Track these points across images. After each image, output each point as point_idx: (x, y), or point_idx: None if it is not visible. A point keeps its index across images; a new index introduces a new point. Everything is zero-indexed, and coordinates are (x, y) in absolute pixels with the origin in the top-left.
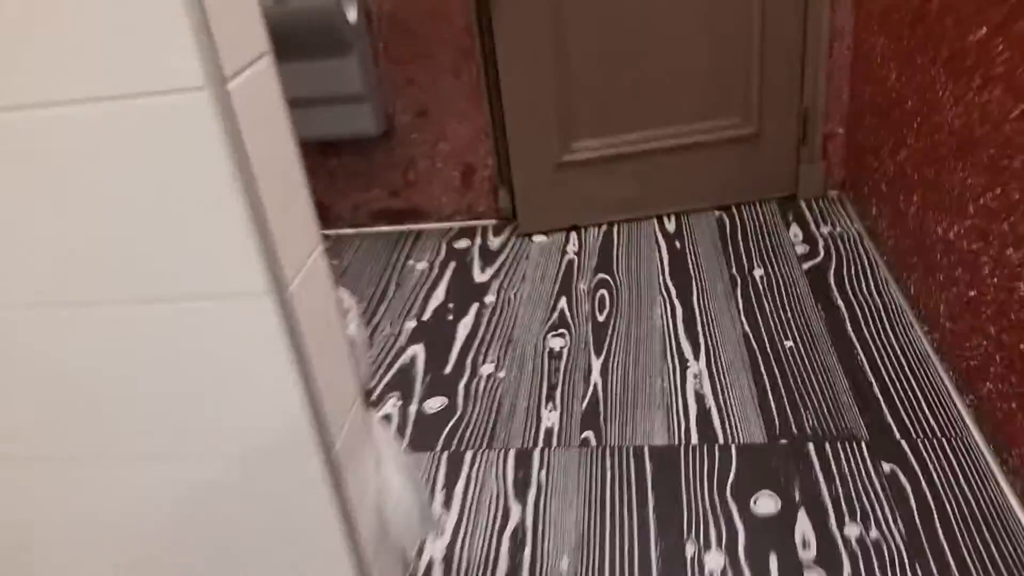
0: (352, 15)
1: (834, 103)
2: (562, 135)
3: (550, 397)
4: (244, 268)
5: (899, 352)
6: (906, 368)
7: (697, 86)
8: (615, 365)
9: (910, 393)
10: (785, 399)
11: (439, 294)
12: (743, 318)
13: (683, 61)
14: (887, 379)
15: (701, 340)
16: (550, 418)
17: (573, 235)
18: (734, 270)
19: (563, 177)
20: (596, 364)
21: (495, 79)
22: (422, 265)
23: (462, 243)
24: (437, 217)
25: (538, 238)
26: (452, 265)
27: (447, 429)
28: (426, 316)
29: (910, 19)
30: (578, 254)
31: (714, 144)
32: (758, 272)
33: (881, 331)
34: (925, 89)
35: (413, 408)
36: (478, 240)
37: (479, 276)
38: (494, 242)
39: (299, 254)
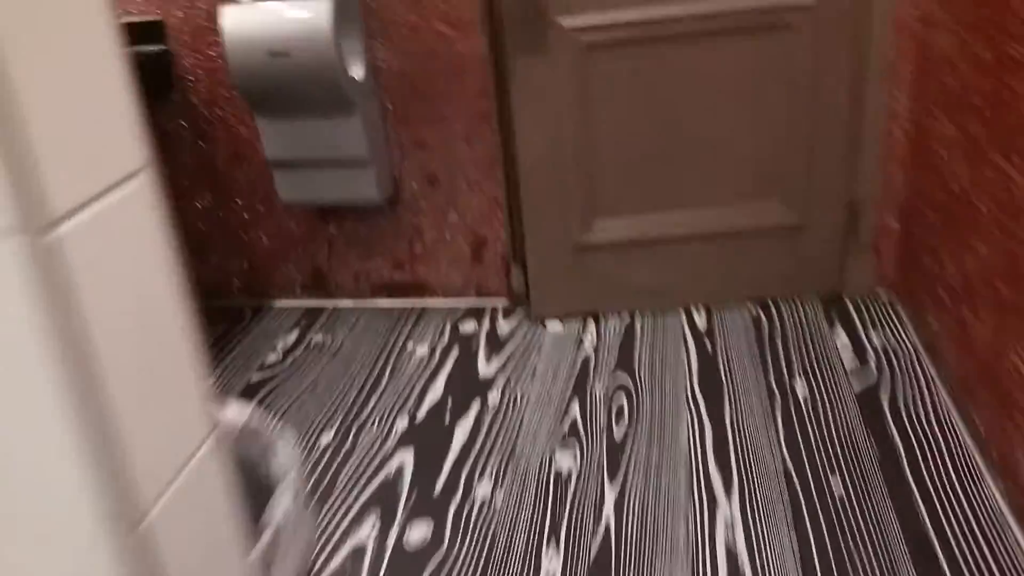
0: (357, 72)
1: (888, 194)
2: (584, 213)
3: (553, 534)
4: (73, 501)
5: (967, 507)
6: (975, 529)
7: (736, 166)
8: (632, 498)
9: (982, 563)
10: (833, 563)
11: (438, 387)
12: (783, 446)
13: (722, 138)
14: (953, 543)
15: (734, 472)
16: (552, 564)
17: (591, 324)
18: (772, 380)
19: (583, 259)
20: (610, 495)
21: (512, 147)
22: (422, 350)
23: (468, 326)
24: (443, 293)
25: (552, 325)
26: (455, 352)
27: (429, 569)
28: (420, 414)
29: (981, 105)
30: (596, 348)
31: (752, 231)
32: (800, 386)
33: (944, 477)
34: (1000, 190)
35: (392, 536)
36: (486, 323)
37: (484, 367)
38: (503, 327)
39: (171, 462)
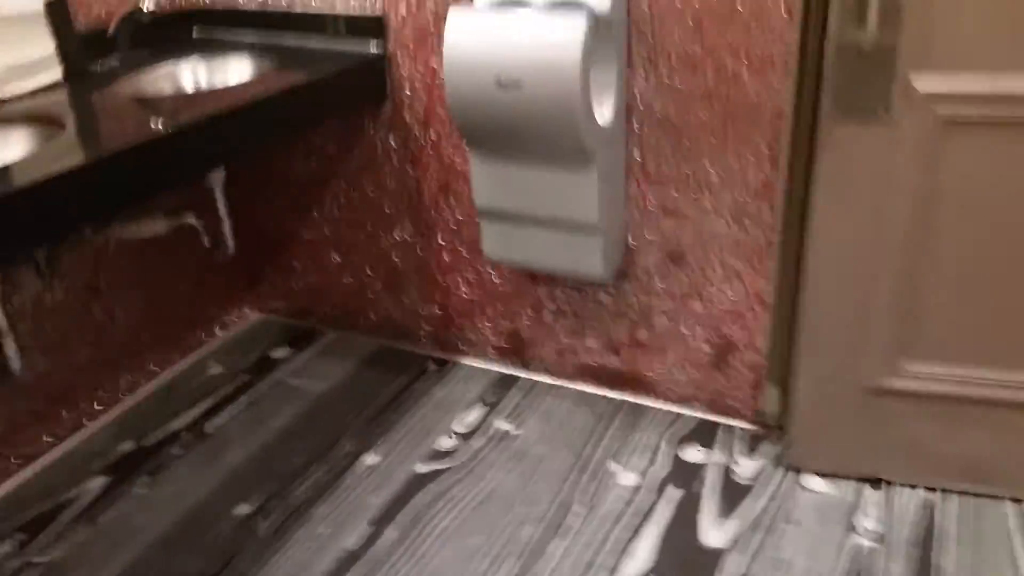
0: (605, 115)
1: None
2: (891, 346)
3: None
4: None
5: None
6: None
7: None
8: None
9: None
10: None
11: (643, 550)
12: None
13: None
14: None
15: None
16: None
17: (872, 494)
18: None
19: (877, 404)
20: None
21: (798, 234)
22: (629, 477)
23: (694, 454)
24: (666, 396)
25: (814, 482)
26: (673, 491)
27: None
28: None
29: None
30: (878, 538)
31: None
32: None
33: None
34: None
35: None
36: (719, 455)
37: (712, 532)
38: (743, 467)
39: None
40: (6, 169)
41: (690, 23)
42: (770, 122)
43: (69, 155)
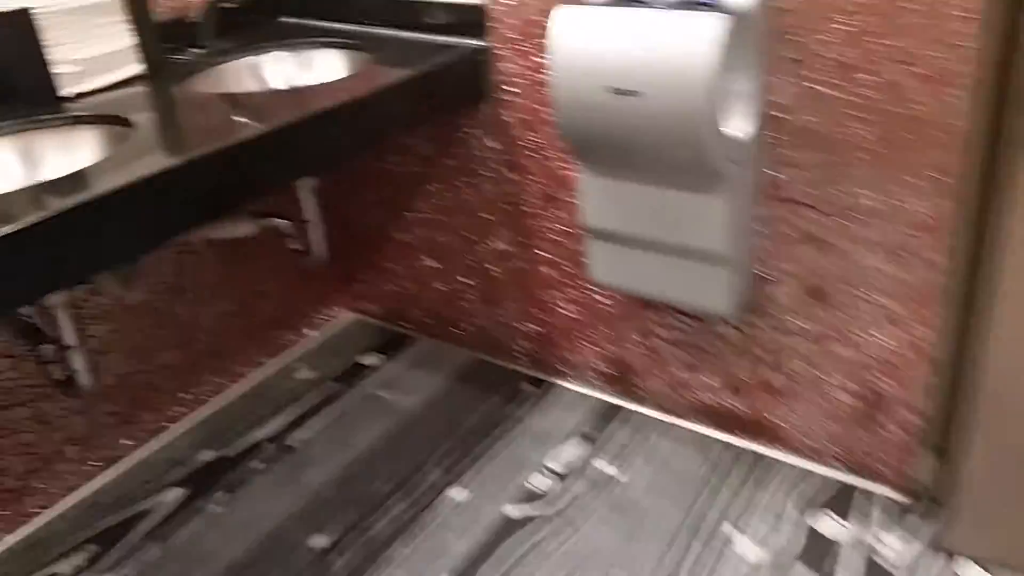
0: (738, 128)
1: None
2: None
3: None
4: None
5: None
6: None
7: None
8: None
9: None
10: None
11: None
12: None
13: None
14: None
15: None
16: None
17: None
18: None
19: None
20: None
21: (973, 279)
22: (748, 548)
23: (829, 524)
24: (796, 449)
25: (974, 573)
26: (801, 573)
27: None
28: None
29: None
30: None
31: None
32: None
33: None
34: None
35: None
36: (858, 528)
37: None
38: (889, 546)
39: None
40: (79, 175)
41: (846, 23)
42: (943, 144)
43: (146, 161)
